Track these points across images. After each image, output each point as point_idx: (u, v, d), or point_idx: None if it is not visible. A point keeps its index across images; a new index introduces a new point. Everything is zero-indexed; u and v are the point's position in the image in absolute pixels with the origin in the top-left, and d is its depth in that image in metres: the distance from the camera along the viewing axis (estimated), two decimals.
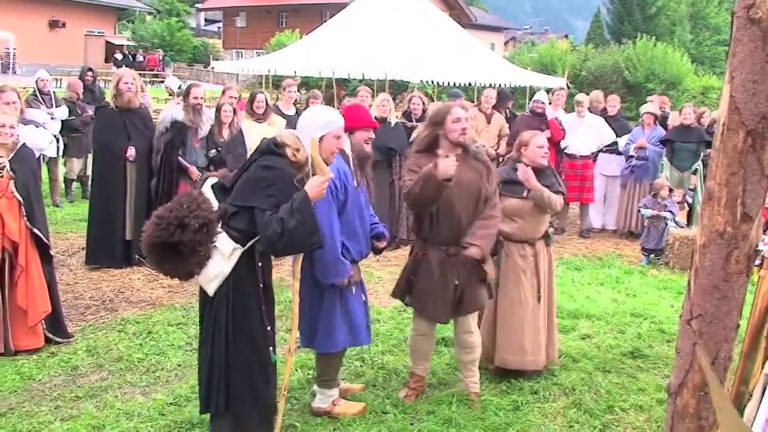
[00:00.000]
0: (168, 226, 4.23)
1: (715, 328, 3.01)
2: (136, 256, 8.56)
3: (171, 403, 5.30)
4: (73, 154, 12.31)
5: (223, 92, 9.79)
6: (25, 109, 9.96)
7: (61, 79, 30.14)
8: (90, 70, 14.62)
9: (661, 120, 11.63)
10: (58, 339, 6.29)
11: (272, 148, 4.49)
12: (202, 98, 8.87)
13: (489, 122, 11.07)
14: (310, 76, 20.70)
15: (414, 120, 10.59)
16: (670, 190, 10.02)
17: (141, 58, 45.93)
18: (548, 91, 12.32)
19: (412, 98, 11.24)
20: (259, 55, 31.38)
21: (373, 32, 19.03)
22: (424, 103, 10.95)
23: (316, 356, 5.29)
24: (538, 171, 5.85)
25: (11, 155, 6.04)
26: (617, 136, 11.21)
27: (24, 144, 6.23)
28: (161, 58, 46.26)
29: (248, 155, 5.77)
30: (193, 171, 8.64)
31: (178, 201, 4.35)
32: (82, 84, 13.12)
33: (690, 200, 10.43)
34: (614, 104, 11.84)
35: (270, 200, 4.33)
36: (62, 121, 11.79)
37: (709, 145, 10.41)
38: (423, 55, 18.12)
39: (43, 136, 7.89)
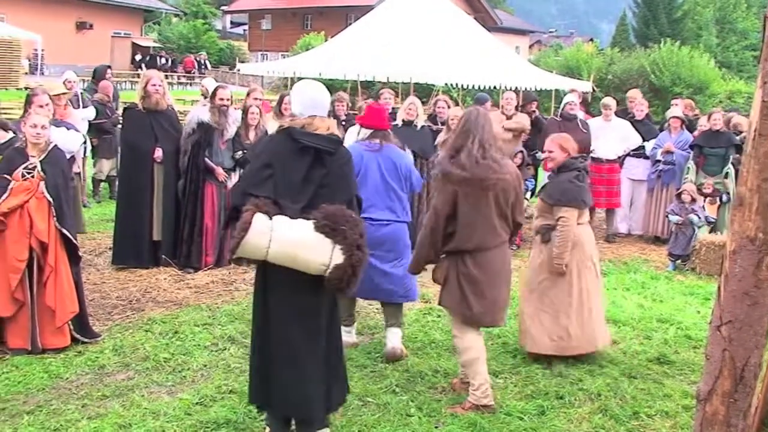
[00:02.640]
0: (361, 243, 4.35)
1: (745, 334, 2.99)
2: (163, 257, 8.63)
3: (197, 403, 5.33)
4: (103, 155, 12.41)
5: (248, 94, 9.82)
6: (68, 110, 10.09)
7: (87, 80, 30.38)
8: (108, 67, 14.74)
9: (688, 124, 11.55)
10: (85, 339, 6.34)
11: (337, 141, 4.61)
12: (228, 100, 8.89)
13: None
14: (334, 79, 20.73)
15: (439, 123, 10.56)
16: (693, 199, 9.89)
17: (164, 60, 46.29)
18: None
19: (437, 101, 11.21)
20: (284, 58, 31.47)
21: (397, 35, 19.02)
22: (449, 107, 10.93)
23: (398, 305, 6.47)
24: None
25: (43, 156, 6.11)
26: (644, 140, 11.15)
27: (56, 145, 6.30)
28: (204, 60, 46.51)
29: None
30: (220, 172, 8.68)
31: (339, 218, 4.33)
32: (112, 86, 13.21)
33: (725, 199, 10.32)
34: (641, 108, 11.76)
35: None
36: (90, 122, 11.90)
37: (738, 149, 10.34)
38: (448, 58, 18.09)
39: (74, 138, 7.97)
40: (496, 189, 5.25)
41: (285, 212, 4.36)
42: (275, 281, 4.48)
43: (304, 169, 4.46)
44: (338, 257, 4.26)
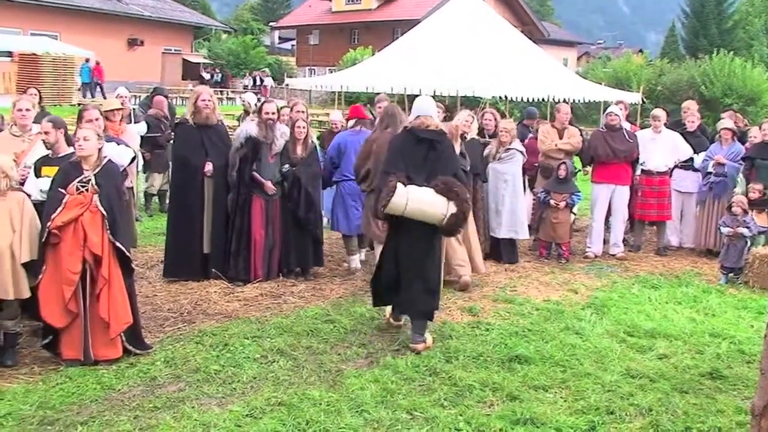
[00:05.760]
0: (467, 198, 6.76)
1: None
2: (213, 270, 8.72)
3: (247, 415, 5.37)
4: (156, 169, 12.55)
5: (291, 108, 9.80)
6: (123, 126, 10.23)
7: (139, 96, 30.97)
8: (165, 96, 14.95)
9: (740, 135, 11.35)
10: (137, 351, 6.42)
11: (442, 133, 6.93)
12: (274, 113, 8.93)
13: (561, 137, 10.91)
14: (381, 92, 20.85)
15: (486, 136, 10.54)
16: (745, 211, 9.72)
17: (208, 76, 47.35)
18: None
19: (484, 114, 11.19)
20: (331, 72, 31.69)
21: (444, 48, 19.07)
22: (496, 119, 10.89)
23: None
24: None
25: (97, 170, 6.23)
26: (694, 152, 10.98)
27: (110, 159, 6.42)
28: (261, 78, 47.27)
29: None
30: (269, 186, 8.73)
31: (451, 184, 6.59)
32: (166, 101, 13.38)
33: None
34: (692, 120, 11.58)
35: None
36: (144, 137, 12.07)
37: None
38: (495, 71, 18.08)
39: (123, 153, 8.08)
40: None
41: (414, 182, 6.62)
42: (405, 227, 6.73)
43: (423, 153, 6.80)
44: (452, 208, 6.53)
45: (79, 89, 35.45)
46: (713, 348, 7.10)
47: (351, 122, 10.06)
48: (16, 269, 6.04)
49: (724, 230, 9.71)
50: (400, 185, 6.51)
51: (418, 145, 6.78)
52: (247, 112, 14.06)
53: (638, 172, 10.96)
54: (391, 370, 6.23)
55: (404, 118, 8.38)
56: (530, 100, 18.61)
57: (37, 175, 6.68)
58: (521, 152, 10.17)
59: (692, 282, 9.54)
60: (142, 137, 12.04)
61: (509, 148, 10.03)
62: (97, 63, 37.91)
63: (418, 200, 6.53)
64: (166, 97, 14.21)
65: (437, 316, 7.65)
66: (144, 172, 12.82)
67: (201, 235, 8.71)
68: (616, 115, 10.74)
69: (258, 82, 47.57)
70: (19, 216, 6.09)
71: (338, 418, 5.34)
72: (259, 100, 14.19)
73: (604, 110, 11.21)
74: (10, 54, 33.45)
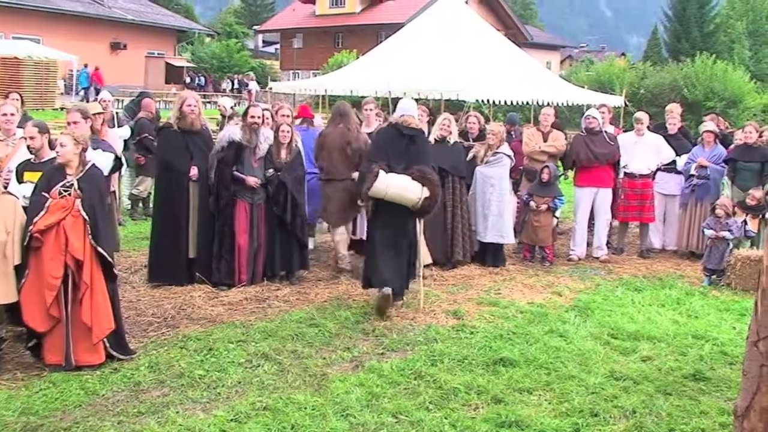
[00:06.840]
0: (438, 184, 7.87)
1: None
2: (197, 274, 8.68)
3: (231, 420, 5.35)
4: (148, 173, 12.41)
5: (276, 112, 9.77)
6: (104, 129, 10.17)
7: (123, 100, 30.86)
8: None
9: (722, 138, 11.42)
10: (120, 356, 6.39)
11: (420, 130, 8.12)
12: (259, 117, 8.91)
13: (546, 140, 10.91)
14: (365, 96, 20.84)
15: (470, 139, 10.56)
16: (728, 215, 9.77)
17: (188, 79, 47.20)
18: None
19: (468, 117, 11.21)
20: (315, 76, 31.68)
21: (428, 52, 19.04)
22: (480, 122, 10.92)
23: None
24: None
25: (80, 174, 6.20)
26: (676, 155, 11.04)
27: (93, 164, 6.39)
28: (246, 83, 47.09)
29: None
30: (250, 179, 8.68)
31: (425, 172, 7.69)
32: (154, 104, 13.36)
33: None
34: (673, 122, 11.65)
35: None
36: (138, 140, 12.06)
37: None
38: (479, 75, 18.06)
39: (104, 159, 8.02)
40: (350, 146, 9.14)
41: (394, 171, 7.66)
42: (384, 210, 7.72)
43: (403, 146, 7.90)
44: (426, 192, 7.60)
45: (62, 93, 35.29)
46: (696, 350, 7.13)
47: (298, 121, 10.66)
48: (8, 272, 6.02)
49: (708, 232, 9.75)
50: (382, 172, 7.58)
51: (400, 138, 7.92)
52: (224, 117, 14.09)
53: (621, 174, 11.01)
54: (376, 374, 6.23)
55: (354, 117, 9.79)
56: (514, 104, 18.64)
57: (19, 179, 6.64)
58: (509, 156, 10.18)
59: (675, 284, 9.59)
60: (135, 141, 12.05)
61: (497, 152, 10.04)
62: (96, 68, 38.47)
63: (397, 185, 7.61)
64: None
65: (422, 319, 7.69)
66: (137, 176, 12.78)
67: (187, 240, 8.68)
68: (594, 118, 10.77)
69: (237, 86, 47.42)
70: (12, 219, 6.07)
71: (323, 422, 5.34)
72: (237, 104, 14.24)
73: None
74: None
